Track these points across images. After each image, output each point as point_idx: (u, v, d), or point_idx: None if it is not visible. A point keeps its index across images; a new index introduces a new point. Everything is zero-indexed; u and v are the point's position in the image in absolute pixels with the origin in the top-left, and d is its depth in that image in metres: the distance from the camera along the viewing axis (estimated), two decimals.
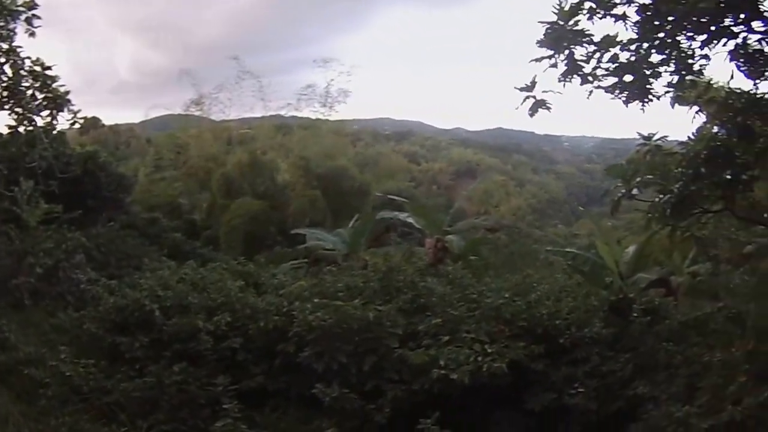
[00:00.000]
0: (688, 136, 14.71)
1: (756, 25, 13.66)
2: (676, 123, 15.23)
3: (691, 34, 13.45)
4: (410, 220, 29.33)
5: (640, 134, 14.95)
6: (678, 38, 13.49)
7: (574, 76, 13.73)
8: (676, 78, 14.00)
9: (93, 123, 75.65)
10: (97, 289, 17.69)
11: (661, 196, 14.20)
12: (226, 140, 56.52)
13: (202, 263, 21.00)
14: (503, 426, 14.65)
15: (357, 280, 17.78)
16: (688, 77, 14.18)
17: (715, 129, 14.89)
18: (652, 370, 14.86)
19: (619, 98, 14.08)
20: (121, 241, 29.29)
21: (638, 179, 14.62)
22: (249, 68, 55.44)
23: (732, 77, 14.21)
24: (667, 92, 14.43)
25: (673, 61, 13.73)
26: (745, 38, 13.60)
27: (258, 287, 18.14)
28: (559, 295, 17.77)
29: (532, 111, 13.96)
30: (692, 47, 13.68)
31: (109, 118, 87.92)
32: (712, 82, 15.68)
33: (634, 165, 15.10)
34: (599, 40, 13.60)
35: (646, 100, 14.14)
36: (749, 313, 14.50)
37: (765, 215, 16.53)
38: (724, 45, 13.31)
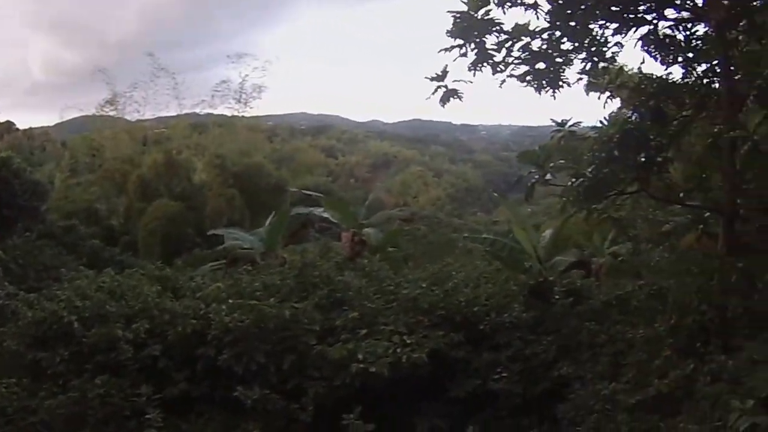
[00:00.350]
0: (601, 121, 14.75)
1: (668, 12, 13.83)
2: (592, 110, 15.26)
3: (603, 21, 13.50)
4: (326, 214, 28.92)
5: (554, 121, 14.94)
6: (591, 26, 13.50)
7: (485, 65, 13.73)
8: (588, 65, 14.05)
9: (6, 128, 73.94)
10: (16, 304, 16.72)
11: (574, 179, 14.21)
12: (141, 141, 55.45)
13: (121, 270, 20.14)
14: (428, 415, 14.41)
15: (274, 278, 17.26)
16: (601, 64, 14.26)
17: (629, 113, 15.04)
18: (576, 351, 14.92)
19: (532, 86, 14.13)
20: (39, 252, 28.50)
21: (551, 164, 14.68)
22: (163, 65, 54.64)
23: (643, 62, 14.42)
24: (580, 79, 14.52)
25: (586, 49, 13.75)
26: (655, 25, 13.75)
27: (176, 291, 17.35)
28: (477, 281, 17.67)
29: (444, 100, 13.89)
30: (605, 35, 13.76)
31: (23, 122, 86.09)
32: (624, 68, 15.83)
33: (546, 150, 15.07)
34: (510, 28, 13.59)
35: (557, 87, 14.22)
36: (670, 289, 14.54)
37: (681, 195, 16.66)
38: (635, 32, 13.45)
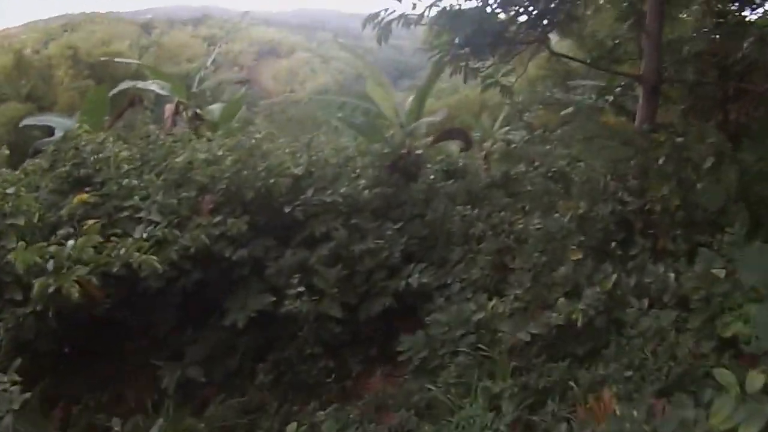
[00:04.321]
0: None
1: None
2: None
3: None
4: (154, 87, 22.95)
5: None
6: None
7: None
8: None
9: None
10: None
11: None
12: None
13: None
14: (173, 370, 8.56)
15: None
16: None
17: None
18: (443, 247, 10.18)
19: None
20: None
21: None
22: None
23: None
24: None
25: None
26: None
27: None
28: (299, 149, 11.64)
29: None
30: None
31: None
32: None
33: None
34: None
35: None
36: (576, 170, 10.92)
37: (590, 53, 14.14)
38: None
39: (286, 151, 11.37)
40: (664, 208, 8.70)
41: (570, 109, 15.50)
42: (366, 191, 10.57)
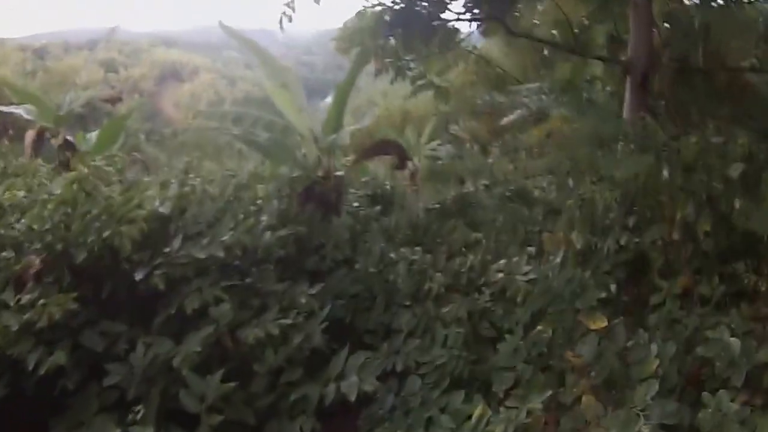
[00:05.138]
0: None
1: None
2: None
3: None
4: (20, 111, 19.53)
5: None
6: None
7: None
8: None
9: None
10: None
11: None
12: None
13: None
14: None
15: None
16: None
17: None
18: (386, 307, 6.96)
19: None
20: None
21: None
22: None
23: None
24: None
25: None
26: None
27: None
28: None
29: None
30: None
31: None
32: None
33: None
34: None
35: None
36: (560, 184, 7.97)
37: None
38: None
39: (159, 182, 8.20)
40: (686, 235, 6.04)
41: (513, 116, 13.50)
42: (268, 233, 7.19)
